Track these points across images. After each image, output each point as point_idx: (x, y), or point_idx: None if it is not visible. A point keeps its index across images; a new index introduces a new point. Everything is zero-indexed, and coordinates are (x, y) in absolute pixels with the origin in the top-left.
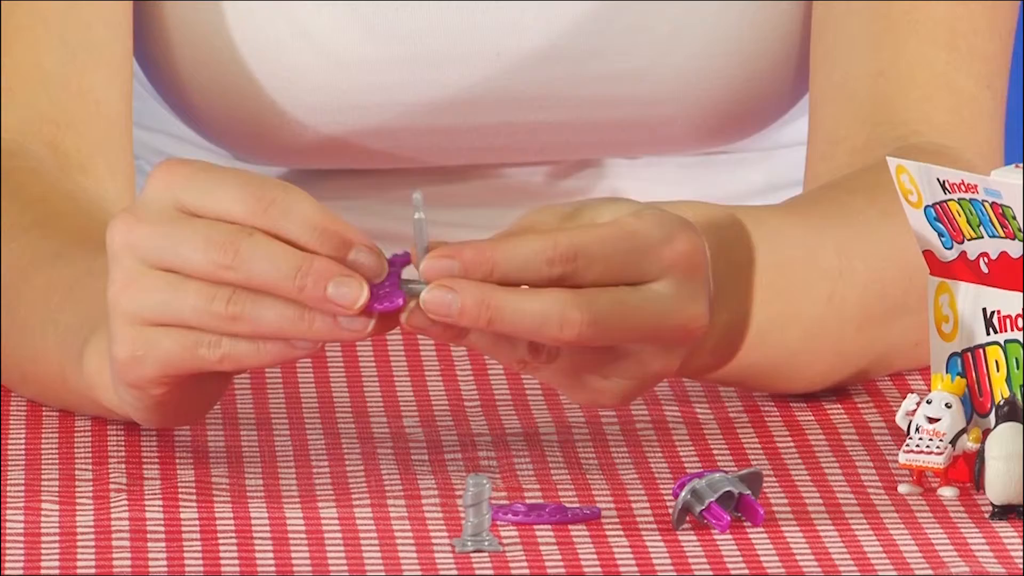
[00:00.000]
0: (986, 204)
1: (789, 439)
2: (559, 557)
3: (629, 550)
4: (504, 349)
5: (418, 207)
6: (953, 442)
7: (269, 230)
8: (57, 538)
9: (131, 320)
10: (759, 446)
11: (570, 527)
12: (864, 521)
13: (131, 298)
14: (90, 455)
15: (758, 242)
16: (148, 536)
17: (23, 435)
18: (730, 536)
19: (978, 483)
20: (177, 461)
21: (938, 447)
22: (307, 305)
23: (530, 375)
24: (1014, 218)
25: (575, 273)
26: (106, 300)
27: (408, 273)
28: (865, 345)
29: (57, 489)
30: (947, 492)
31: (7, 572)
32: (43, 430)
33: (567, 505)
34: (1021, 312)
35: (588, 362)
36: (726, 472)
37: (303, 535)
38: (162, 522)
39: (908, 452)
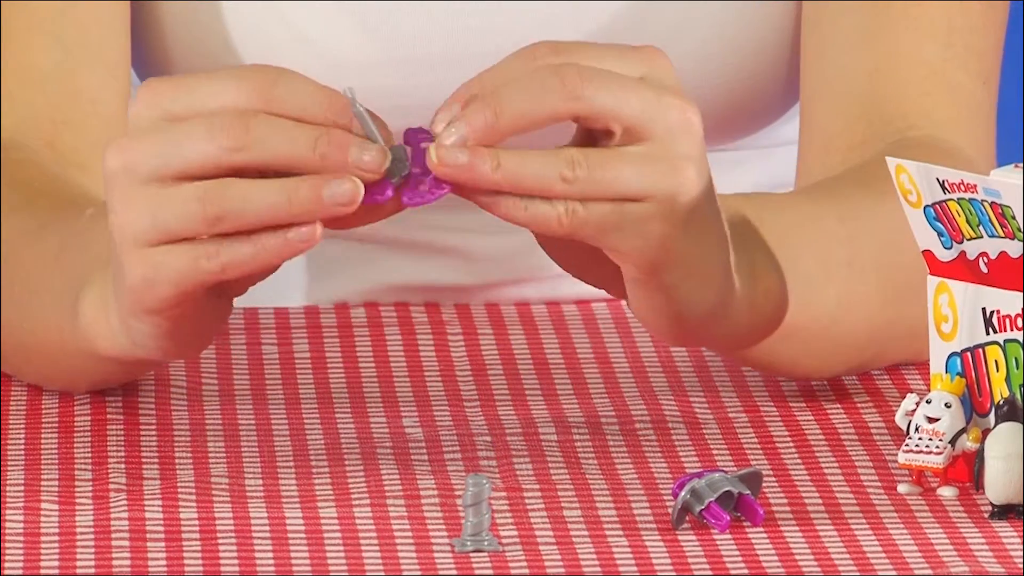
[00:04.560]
0: (985, 204)
1: (789, 439)
2: (559, 557)
3: (628, 550)
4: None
5: (353, 99)
6: (953, 442)
7: (274, 111)
8: (57, 538)
9: (136, 243)
10: (759, 446)
11: (569, 527)
12: (864, 521)
13: (131, 220)
14: (90, 455)
15: (753, 217)
16: (148, 536)
17: (23, 435)
18: (729, 536)
19: (978, 483)
20: (177, 461)
21: (937, 447)
22: (328, 169)
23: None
24: (1013, 218)
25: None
26: (110, 232)
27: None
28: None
29: (57, 489)
30: (947, 492)
31: (7, 572)
32: (43, 430)
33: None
34: (1021, 312)
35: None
36: (725, 472)
37: (303, 535)
38: (161, 522)
39: (907, 452)
